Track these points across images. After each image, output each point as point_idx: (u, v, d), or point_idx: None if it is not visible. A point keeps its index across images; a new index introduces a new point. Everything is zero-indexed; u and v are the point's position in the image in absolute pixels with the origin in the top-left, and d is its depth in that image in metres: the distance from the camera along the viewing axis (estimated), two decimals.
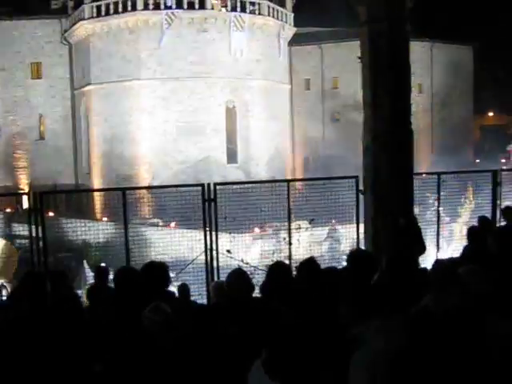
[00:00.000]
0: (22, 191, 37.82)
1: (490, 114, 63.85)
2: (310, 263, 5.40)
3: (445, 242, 10.89)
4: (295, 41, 41.25)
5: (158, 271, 5.18)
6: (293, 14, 39.55)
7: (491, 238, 5.99)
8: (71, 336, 4.65)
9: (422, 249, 7.34)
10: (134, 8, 34.56)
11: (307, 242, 11.78)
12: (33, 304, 4.98)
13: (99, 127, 36.33)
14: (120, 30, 35.06)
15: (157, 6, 34.53)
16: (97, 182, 36.25)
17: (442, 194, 11.73)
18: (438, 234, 10.04)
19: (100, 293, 6.97)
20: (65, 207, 29.86)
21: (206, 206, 8.46)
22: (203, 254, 8.77)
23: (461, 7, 51.03)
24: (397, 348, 3.66)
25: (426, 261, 7.85)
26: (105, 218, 25.02)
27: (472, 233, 6.97)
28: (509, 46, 51.47)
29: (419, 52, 40.66)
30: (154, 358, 4.13)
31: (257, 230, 16.72)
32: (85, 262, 19.77)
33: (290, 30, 39.27)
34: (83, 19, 36.08)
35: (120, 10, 34.95)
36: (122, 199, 8.52)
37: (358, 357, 3.66)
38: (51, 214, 21.05)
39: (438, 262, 5.17)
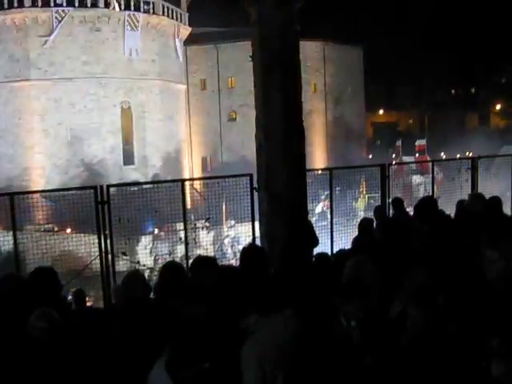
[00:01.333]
0: None
1: (381, 111, 66.70)
2: (204, 261, 5.43)
3: (339, 235, 11.21)
4: (191, 41, 41.15)
5: (47, 277, 5.01)
6: (188, 14, 39.44)
7: (376, 229, 6.27)
8: None
9: (314, 241, 7.54)
10: (20, 4, 33.16)
11: (205, 242, 11.81)
12: None
13: None
14: (6, 28, 33.55)
15: (46, 3, 33.30)
16: None
17: (337, 188, 12.14)
18: (331, 227, 10.34)
19: None
20: None
21: (100, 208, 8.27)
22: (98, 258, 8.57)
23: (350, 9, 52.92)
24: (280, 339, 3.81)
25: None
26: None
27: (361, 224, 7.25)
28: (395, 47, 54.00)
29: (312, 52, 41.85)
30: (40, 364, 3.99)
31: (155, 231, 16.58)
32: None
33: (185, 30, 39.14)
34: None
35: (5, 5, 33.40)
36: (10, 205, 8.17)
37: (247, 348, 3.78)
38: None
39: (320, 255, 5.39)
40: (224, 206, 10.79)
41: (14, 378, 4.02)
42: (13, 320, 4.36)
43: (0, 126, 33.88)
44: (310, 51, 40.96)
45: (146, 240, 14.97)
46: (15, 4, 33.29)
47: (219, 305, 4.38)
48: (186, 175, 38.75)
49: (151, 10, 35.87)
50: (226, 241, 16.49)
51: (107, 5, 34.36)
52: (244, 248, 5.64)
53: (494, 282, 4.09)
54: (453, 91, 68.73)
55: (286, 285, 4.72)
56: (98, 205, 8.24)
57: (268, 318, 4.06)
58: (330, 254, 8.98)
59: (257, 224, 8.92)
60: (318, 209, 13.83)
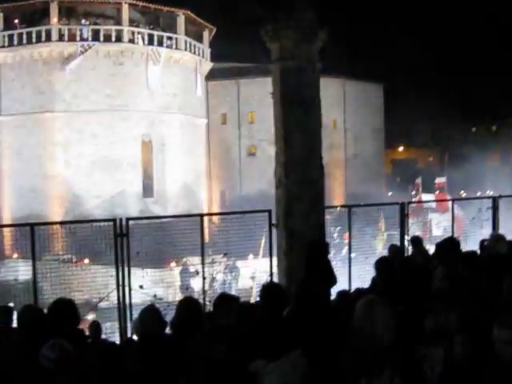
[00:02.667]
0: None
1: (401, 148, 66.62)
2: (226, 298, 5.42)
3: (358, 272, 11.12)
4: (212, 75, 41.68)
5: (65, 309, 5.02)
6: (210, 49, 40.03)
7: (397, 267, 6.20)
8: None
9: (332, 280, 7.48)
10: (48, 39, 33.93)
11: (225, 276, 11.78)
12: None
13: (10, 160, 35.11)
14: (33, 61, 34.30)
15: (72, 38, 34.06)
16: (7, 218, 34.83)
17: (354, 226, 12.06)
18: (349, 266, 10.26)
19: (2, 334, 6.65)
20: None
21: (119, 241, 8.31)
22: (115, 291, 8.58)
23: (371, 47, 53.38)
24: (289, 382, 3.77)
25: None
26: (15, 255, 24.07)
27: (379, 262, 7.18)
28: (414, 84, 54.20)
29: (332, 89, 42.10)
30: None
31: (172, 264, 16.57)
32: None
33: (206, 65, 39.69)
34: None
35: (33, 40, 34.22)
36: (30, 235, 8.24)
37: None
38: None
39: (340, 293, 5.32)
40: (242, 242, 10.79)
41: None
42: (30, 351, 4.37)
43: (24, 156, 34.38)
44: (331, 88, 41.22)
45: (163, 273, 14.96)
46: (43, 38, 34.09)
47: (238, 345, 4.35)
48: (205, 208, 38.85)
49: (174, 45, 36.50)
50: (218, 276, 16.05)
51: (131, 40, 35.04)
52: (264, 285, 5.61)
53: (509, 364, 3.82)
54: (473, 129, 68.58)
55: (297, 327, 4.67)
56: (117, 237, 8.28)
57: (276, 361, 4.01)
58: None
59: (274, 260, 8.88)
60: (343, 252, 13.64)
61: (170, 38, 36.34)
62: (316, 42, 8.65)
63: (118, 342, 7.92)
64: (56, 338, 4.22)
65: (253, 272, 14.81)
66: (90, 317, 11.64)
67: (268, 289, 5.67)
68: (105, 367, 4.52)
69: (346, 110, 46.65)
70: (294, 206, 8.04)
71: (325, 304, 6.01)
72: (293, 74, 8.33)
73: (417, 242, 9.05)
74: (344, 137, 47.00)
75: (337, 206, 12.51)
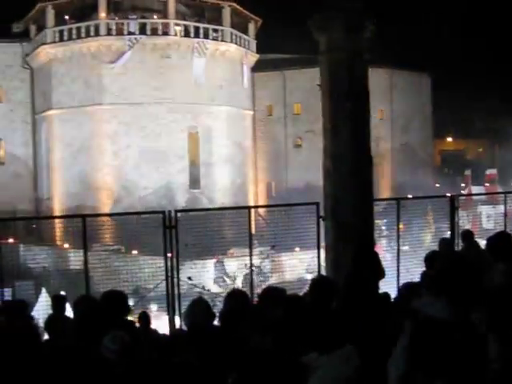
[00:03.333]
0: None
1: (449, 139, 65.31)
2: (271, 290, 5.42)
3: (406, 266, 10.96)
4: (258, 67, 41.66)
5: (117, 301, 5.11)
6: (255, 41, 40.00)
7: (448, 262, 6.06)
8: (29, 369, 4.53)
9: (381, 273, 7.38)
10: (96, 33, 34.51)
11: (270, 268, 11.79)
12: None
13: (60, 152, 35.93)
14: (82, 55, 34.93)
15: (120, 32, 34.55)
16: (58, 208, 35.69)
17: (402, 218, 11.89)
18: (398, 259, 10.13)
19: (58, 323, 6.82)
20: (25, 233, 29.31)
21: (167, 232, 8.40)
22: (164, 282, 8.68)
23: (418, 36, 52.38)
24: (342, 376, 3.72)
25: (387, 286, 7.91)
26: (66, 245, 24.67)
27: (430, 257, 7.06)
28: (463, 73, 52.98)
29: (380, 79, 41.52)
30: None
31: (219, 256, 16.65)
32: (43, 289, 19.37)
33: (252, 57, 39.68)
34: (45, 43, 35.87)
35: (83, 35, 34.86)
36: (82, 226, 8.41)
37: None
38: (11, 240, 20.66)
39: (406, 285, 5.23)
40: (289, 234, 10.77)
41: None
42: (87, 341, 4.47)
43: (74, 147, 35.13)
44: (378, 78, 40.59)
45: (210, 265, 15.05)
46: (92, 33, 34.68)
47: (285, 337, 4.35)
48: (251, 200, 38.96)
49: (220, 38, 36.62)
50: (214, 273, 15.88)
51: (177, 33, 35.32)
52: (314, 279, 5.58)
53: None
54: None
55: (348, 320, 4.64)
56: (166, 229, 8.37)
57: (329, 354, 3.99)
58: (396, 286, 8.81)
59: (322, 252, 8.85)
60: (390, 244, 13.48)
61: (215, 31, 36.48)
62: (364, 33, 8.53)
63: (166, 333, 8.02)
64: (115, 330, 4.31)
65: (300, 265, 14.80)
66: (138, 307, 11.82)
67: (316, 281, 5.65)
68: (158, 359, 4.59)
69: (393, 100, 45.98)
70: (342, 199, 7.97)
71: (374, 297, 5.96)
72: (341, 65, 8.23)
73: (468, 236, 8.85)
74: (391, 127, 46.35)
75: (386, 199, 12.37)
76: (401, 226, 10.43)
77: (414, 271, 10.23)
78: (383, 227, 11.80)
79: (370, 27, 8.43)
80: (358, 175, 8.06)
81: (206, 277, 13.64)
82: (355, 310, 4.78)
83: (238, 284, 15.84)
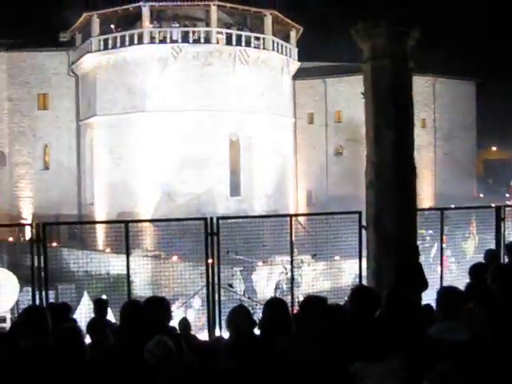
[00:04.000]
0: (25, 221, 37.91)
1: (494, 148, 64.00)
2: (314, 300, 5.37)
3: (448, 277, 10.77)
4: (299, 75, 41.65)
5: (160, 306, 5.15)
6: (297, 49, 40.01)
7: (490, 277, 5.92)
8: (72, 372, 4.60)
9: (423, 285, 7.27)
10: (140, 41, 35.05)
11: (310, 277, 11.74)
12: (34, 339, 4.94)
13: (103, 158, 36.54)
14: (126, 63, 35.51)
15: (163, 40, 35.02)
16: (100, 213, 36.28)
17: (444, 229, 11.68)
18: (441, 270, 9.95)
19: (100, 327, 6.92)
20: (67, 237, 29.87)
21: (209, 239, 8.43)
22: (205, 288, 8.71)
23: (463, 43, 51.58)
24: None
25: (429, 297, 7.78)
26: (108, 250, 25.04)
27: (474, 269, 6.91)
28: (509, 79, 51.87)
29: (422, 87, 41.10)
30: None
31: (259, 264, 16.64)
32: (85, 293, 19.67)
33: (294, 65, 39.71)
34: (90, 52, 36.60)
35: (126, 43, 35.45)
36: (125, 232, 8.50)
37: None
38: (54, 244, 21.03)
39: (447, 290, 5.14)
40: (330, 242, 10.71)
41: None
42: (132, 345, 4.52)
43: (116, 154, 35.70)
44: (420, 86, 40.20)
45: (251, 273, 15.06)
46: (135, 41, 35.24)
47: (329, 347, 4.31)
48: (291, 208, 38.89)
49: (261, 46, 36.76)
50: (281, 277, 15.84)
51: (219, 41, 35.61)
52: (354, 288, 5.52)
53: None
54: None
55: (394, 329, 4.57)
56: (208, 236, 8.41)
57: (375, 364, 3.94)
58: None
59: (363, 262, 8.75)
60: (433, 251, 13.26)
61: (257, 39, 36.64)
62: (409, 40, 8.45)
63: (206, 339, 8.05)
64: (160, 335, 4.36)
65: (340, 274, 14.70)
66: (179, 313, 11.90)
67: (356, 291, 5.59)
68: (200, 365, 4.60)
69: (436, 108, 45.35)
70: (385, 208, 7.88)
71: (417, 308, 5.86)
72: (385, 73, 8.17)
73: None
74: (433, 136, 45.70)
75: (429, 209, 12.18)
76: (444, 237, 10.25)
77: (457, 283, 10.04)
78: (428, 238, 11.60)
79: (415, 35, 8.35)
80: (401, 184, 7.96)
81: (247, 284, 13.64)
82: (399, 322, 4.70)
83: (271, 292, 15.84)
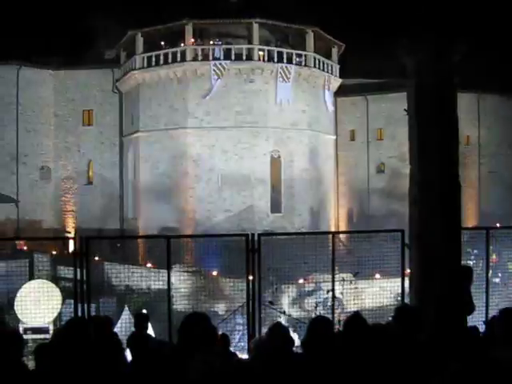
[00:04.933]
0: (68, 234, 38.61)
1: None
2: (356, 319, 5.29)
3: (495, 299, 10.48)
4: (341, 92, 41.53)
5: (201, 323, 5.12)
6: (338, 66, 39.94)
7: None
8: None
9: (471, 307, 7.08)
10: (183, 59, 35.51)
11: (351, 296, 11.58)
12: (76, 350, 4.98)
13: (146, 173, 36.99)
14: (169, 80, 35.99)
15: (205, 57, 35.40)
16: (142, 228, 36.65)
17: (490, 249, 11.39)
18: (487, 292, 9.67)
19: (141, 341, 6.94)
20: (109, 251, 30.25)
21: (250, 256, 8.40)
22: (245, 305, 8.67)
23: (506, 57, 50.65)
24: None
25: (474, 319, 7.58)
26: (149, 265, 25.24)
27: None
28: None
29: (466, 103, 40.44)
30: None
31: (300, 281, 16.51)
32: (126, 307, 19.83)
33: (335, 81, 39.62)
34: (134, 69, 37.24)
35: (169, 60, 35.96)
36: (167, 247, 8.55)
37: None
38: (96, 258, 21.31)
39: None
40: (371, 261, 10.57)
41: None
42: (175, 360, 4.51)
43: (158, 170, 36.11)
44: (464, 103, 39.60)
45: (291, 290, 14.96)
46: (178, 59, 35.72)
47: (371, 367, 4.22)
48: (332, 226, 38.62)
49: (303, 62, 36.80)
50: (329, 294, 15.58)
51: (261, 58, 35.81)
52: (398, 308, 5.40)
53: None
54: None
55: (439, 353, 4.45)
56: (249, 252, 8.38)
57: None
58: (484, 319, 8.42)
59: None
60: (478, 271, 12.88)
61: (299, 55, 36.70)
62: (454, 56, 8.32)
63: (245, 356, 7.99)
64: (204, 352, 4.34)
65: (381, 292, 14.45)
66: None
67: (401, 310, 5.47)
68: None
69: (480, 125, 44.59)
70: (429, 226, 7.73)
71: (463, 331, 5.71)
72: (429, 89, 8.05)
73: None
74: (478, 154, 44.89)
75: (475, 228, 11.91)
76: (493, 257, 9.98)
77: (504, 304, 9.76)
78: (472, 257, 11.33)
79: (461, 49, 8.23)
80: (446, 202, 7.81)
81: (287, 302, 13.54)
82: (445, 344, 4.58)
83: (312, 310, 15.67)
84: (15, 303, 14.05)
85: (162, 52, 36.63)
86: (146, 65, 36.92)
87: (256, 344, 6.68)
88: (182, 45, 36.15)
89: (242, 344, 9.91)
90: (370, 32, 38.99)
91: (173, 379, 4.39)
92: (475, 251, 10.65)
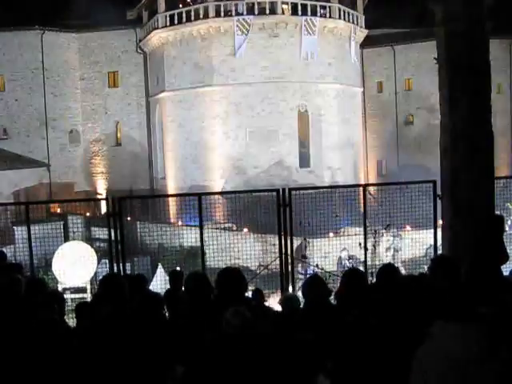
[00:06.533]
0: (100, 196, 39.18)
1: None
2: (387, 270, 5.32)
3: None
4: (367, 43, 40.76)
5: (235, 277, 5.22)
6: (364, 16, 39.10)
7: None
8: (152, 339, 4.75)
9: (505, 257, 7.05)
10: (205, 16, 35.11)
11: (383, 248, 11.61)
12: (114, 307, 5.11)
13: (173, 133, 37.09)
14: (192, 38, 35.69)
15: (228, 13, 34.94)
16: (171, 187, 36.99)
17: None
18: None
19: (176, 298, 7.08)
20: (140, 211, 30.66)
21: (282, 211, 8.44)
22: (277, 260, 8.76)
23: None
24: (461, 354, 3.46)
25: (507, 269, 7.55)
26: (180, 223, 25.54)
27: None
28: None
29: (498, 50, 39.37)
30: (233, 360, 4.16)
31: (331, 235, 16.58)
32: (160, 265, 20.19)
33: (361, 33, 38.85)
34: (157, 28, 36.97)
35: (192, 18, 35.57)
36: (198, 205, 8.63)
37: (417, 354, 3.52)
38: (128, 218, 21.61)
39: None
40: (403, 213, 10.51)
41: (208, 371, 4.25)
42: (207, 316, 4.61)
43: (186, 128, 36.16)
44: (495, 49, 38.52)
45: (323, 243, 15.01)
46: (201, 16, 35.32)
47: (400, 314, 4.26)
48: (362, 179, 38.42)
49: (327, 14, 36.09)
50: (342, 254, 15.72)
51: (284, 11, 35.22)
52: (435, 259, 5.42)
53: None
54: None
55: (481, 292, 4.44)
56: (280, 207, 8.42)
57: (455, 324, 3.74)
58: None
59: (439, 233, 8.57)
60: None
61: (323, 7, 35.97)
62: (484, 1, 8.10)
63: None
64: (237, 305, 4.42)
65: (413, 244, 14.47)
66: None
67: (438, 261, 5.48)
68: (277, 334, 4.65)
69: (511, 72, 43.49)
70: (461, 176, 7.66)
71: (498, 281, 5.69)
72: (460, 36, 7.87)
73: None
74: (510, 102, 43.93)
75: (508, 177, 11.75)
76: None
77: None
78: (508, 206, 11.19)
79: None
80: (478, 152, 7.72)
81: (319, 255, 13.62)
82: (480, 291, 4.58)
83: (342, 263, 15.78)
84: (52, 264, 14.44)
85: (184, 10, 36.22)
86: (168, 23, 36.58)
87: (287, 298, 6.78)
88: (205, 2, 35.65)
89: (275, 298, 10.04)
90: None
91: (209, 332, 4.50)
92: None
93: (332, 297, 5.63)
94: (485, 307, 4.18)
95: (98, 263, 15.71)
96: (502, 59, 41.55)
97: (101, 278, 5.96)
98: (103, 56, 40.58)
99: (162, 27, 36.74)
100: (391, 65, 43.37)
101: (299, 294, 5.79)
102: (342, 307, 4.96)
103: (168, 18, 36.62)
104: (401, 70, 43.09)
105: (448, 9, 8.02)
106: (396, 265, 8.61)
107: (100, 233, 19.84)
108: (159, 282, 17.93)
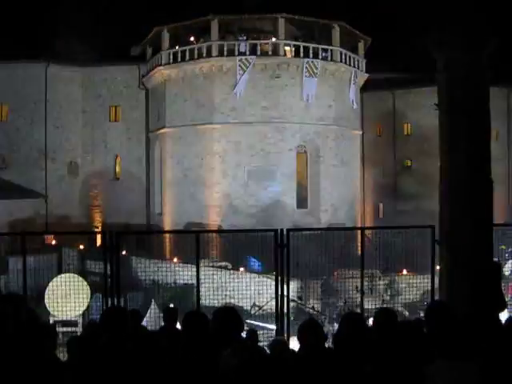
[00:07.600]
0: (96, 229, 39.04)
1: None
2: (386, 314, 5.27)
3: None
4: (367, 87, 41.22)
5: (231, 317, 5.15)
6: (365, 60, 39.64)
7: None
8: (148, 375, 4.68)
9: (502, 305, 6.99)
10: (208, 54, 35.56)
11: (380, 291, 11.53)
12: (114, 339, 5.06)
13: (172, 169, 37.16)
14: (195, 76, 36.07)
15: (231, 53, 35.39)
16: (168, 223, 36.87)
17: None
18: None
19: (170, 335, 6.98)
20: (135, 246, 30.53)
21: (279, 251, 8.39)
22: (273, 300, 8.67)
23: None
24: None
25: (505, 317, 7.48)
26: (175, 259, 25.39)
27: None
28: None
29: (496, 98, 39.74)
30: None
31: (324, 277, 16.47)
32: (153, 301, 20.00)
33: (362, 76, 39.33)
34: (160, 65, 37.40)
35: (195, 56, 36.03)
36: (195, 242, 8.58)
37: None
38: (124, 252, 21.50)
39: None
40: (400, 257, 10.47)
41: None
42: (203, 356, 4.54)
43: (184, 165, 36.23)
44: (494, 97, 38.97)
45: (318, 286, 14.92)
46: (204, 54, 35.78)
47: (401, 358, 4.21)
48: (358, 222, 38.35)
49: (329, 57, 36.55)
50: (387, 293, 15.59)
51: (287, 53, 35.70)
52: (431, 306, 5.37)
53: None
54: None
55: (476, 333, 4.41)
56: (278, 248, 8.37)
57: (453, 362, 3.72)
58: None
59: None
60: (507, 268, 12.82)
61: (325, 50, 36.47)
62: (486, 49, 8.21)
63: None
64: (235, 344, 4.36)
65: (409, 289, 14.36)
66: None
67: (432, 308, 5.44)
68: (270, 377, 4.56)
69: (510, 120, 43.95)
70: (459, 223, 7.65)
71: (495, 328, 5.64)
72: (460, 83, 7.96)
73: None
74: (507, 150, 44.26)
75: (506, 225, 11.75)
76: None
77: None
78: (506, 255, 11.17)
79: (492, 43, 8.11)
80: (476, 199, 7.72)
81: (314, 297, 13.51)
82: (478, 334, 4.53)
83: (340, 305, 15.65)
84: (45, 296, 14.30)
85: (187, 48, 36.71)
86: (171, 60, 37.04)
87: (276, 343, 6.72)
88: (208, 40, 36.14)
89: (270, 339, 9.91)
90: (395, 25, 38.68)
91: (205, 372, 4.42)
92: (510, 249, 10.51)
93: (329, 340, 5.56)
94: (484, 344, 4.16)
95: (91, 297, 15.57)
96: (500, 107, 42.04)
97: (93, 312, 5.90)
98: (106, 90, 40.97)
99: (165, 64, 37.19)
100: (391, 109, 43.82)
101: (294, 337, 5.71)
102: (340, 351, 4.89)
103: (171, 56, 37.11)
104: (400, 114, 43.51)
105: (449, 56, 8.11)
106: (395, 308, 8.55)
107: (94, 266, 19.70)
108: (152, 318, 17.74)
